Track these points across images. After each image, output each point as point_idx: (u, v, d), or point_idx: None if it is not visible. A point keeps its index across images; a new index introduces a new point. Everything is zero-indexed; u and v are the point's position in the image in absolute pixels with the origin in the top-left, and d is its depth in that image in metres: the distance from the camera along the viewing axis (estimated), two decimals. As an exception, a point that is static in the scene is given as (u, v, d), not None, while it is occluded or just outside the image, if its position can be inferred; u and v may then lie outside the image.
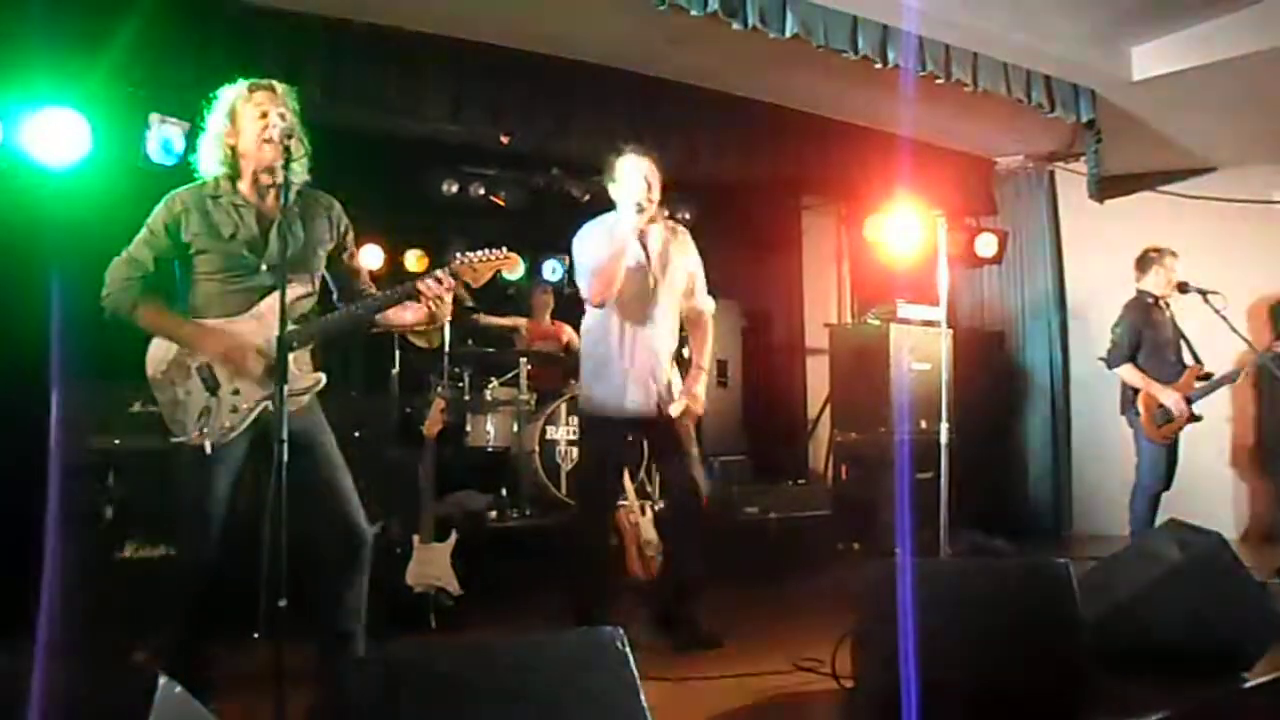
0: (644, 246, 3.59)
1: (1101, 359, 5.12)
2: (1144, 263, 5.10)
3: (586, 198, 6.38)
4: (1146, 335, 4.98)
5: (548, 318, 6.51)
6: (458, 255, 2.80)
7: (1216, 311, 4.75)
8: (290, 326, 2.50)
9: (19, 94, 3.64)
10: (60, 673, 1.62)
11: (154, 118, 3.96)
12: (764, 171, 5.71)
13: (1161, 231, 5.46)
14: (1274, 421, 6.21)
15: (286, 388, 2.38)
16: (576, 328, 5.75)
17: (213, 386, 2.64)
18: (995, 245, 6.46)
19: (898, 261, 5.93)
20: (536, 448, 5.53)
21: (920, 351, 5.74)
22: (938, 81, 4.57)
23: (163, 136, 3.97)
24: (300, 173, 2.67)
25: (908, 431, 5.43)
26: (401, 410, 5.46)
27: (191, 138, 3.08)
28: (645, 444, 3.91)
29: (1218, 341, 4.98)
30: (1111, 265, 5.65)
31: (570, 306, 5.79)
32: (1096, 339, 5.42)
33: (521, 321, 6.48)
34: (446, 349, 5.37)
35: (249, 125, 2.66)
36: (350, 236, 2.93)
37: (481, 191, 6.36)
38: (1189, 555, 3.16)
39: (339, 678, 2.12)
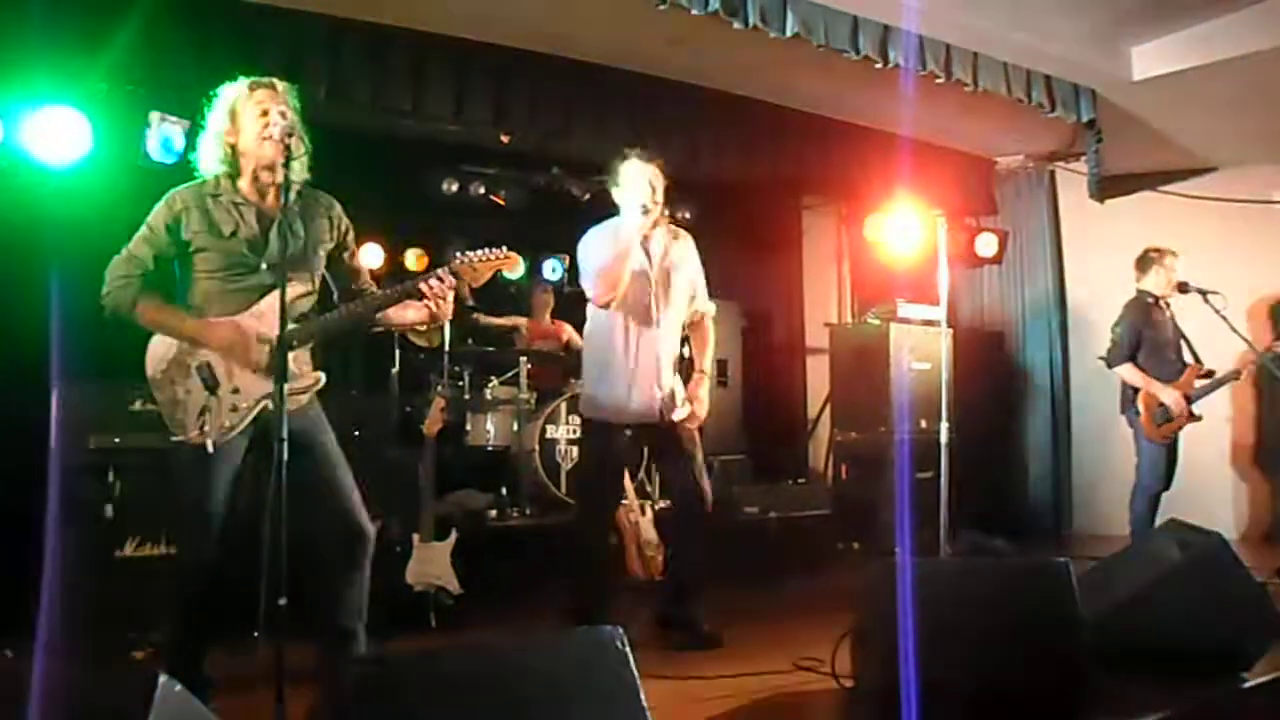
0: (648, 250, 3.60)
1: (1101, 358, 5.12)
2: (1144, 263, 5.11)
3: (587, 197, 6.38)
4: (1146, 335, 4.98)
5: (548, 317, 6.51)
6: (458, 254, 2.80)
7: (1216, 311, 4.75)
8: (290, 325, 2.50)
9: (19, 93, 3.63)
10: (60, 671, 1.62)
11: (154, 116, 3.95)
12: (764, 171, 5.70)
13: (1161, 231, 5.46)
14: (1274, 421, 6.21)
15: (286, 386, 2.38)
16: (576, 327, 5.79)
17: (212, 386, 2.63)
18: (995, 245, 6.45)
19: (898, 261, 5.93)
20: (536, 447, 5.53)
21: (920, 351, 5.74)
22: (938, 81, 4.57)
23: (163, 135, 3.96)
24: (300, 171, 2.67)
25: (908, 431, 5.43)
26: (401, 409, 5.45)
27: (192, 136, 3.08)
28: (647, 448, 3.90)
29: (1218, 341, 4.98)
30: (1111, 265, 5.65)
31: (570, 306, 5.80)
32: (1096, 339, 5.42)
33: (521, 321, 6.48)
34: (446, 348, 5.37)
35: (249, 123, 2.66)
36: (350, 236, 2.93)
37: (482, 191, 6.35)
38: (1189, 555, 3.17)
39: (339, 677, 2.12)
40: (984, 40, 4.63)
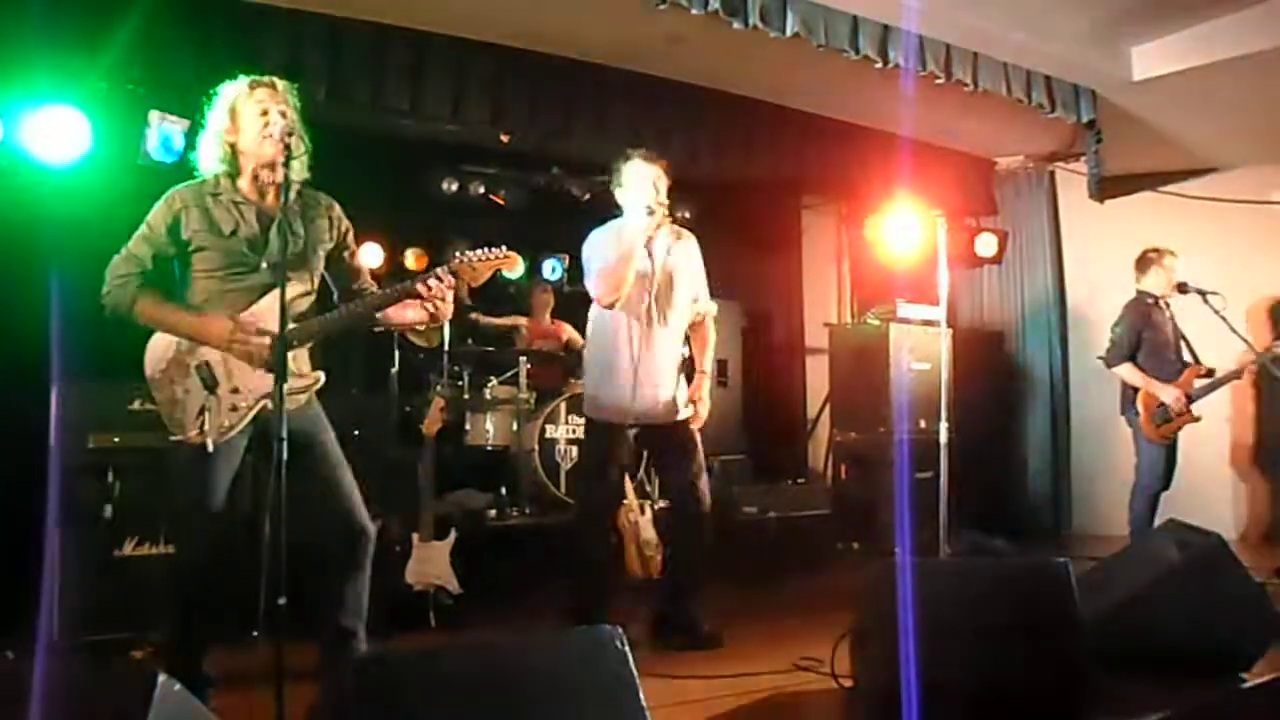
0: (651, 251, 3.60)
1: (1101, 358, 5.12)
2: (1144, 263, 5.11)
3: (587, 197, 6.38)
4: (1146, 335, 4.98)
5: (548, 317, 6.51)
6: (457, 254, 2.80)
7: (1216, 312, 4.75)
8: (290, 325, 2.50)
9: (19, 92, 3.63)
10: (60, 670, 1.62)
11: (154, 115, 3.95)
12: (764, 171, 5.70)
13: (1161, 231, 5.47)
14: (1274, 421, 6.21)
15: (286, 386, 2.38)
16: (576, 327, 5.78)
17: (211, 385, 2.63)
18: (995, 245, 6.46)
19: (898, 261, 5.92)
20: (536, 446, 5.53)
21: (920, 351, 5.74)
22: (938, 81, 4.57)
23: (163, 134, 3.96)
24: (300, 170, 2.67)
25: (907, 431, 5.43)
26: (401, 409, 5.45)
27: (191, 135, 3.09)
28: (649, 449, 3.90)
29: (1218, 341, 4.98)
30: (1111, 265, 5.65)
31: (570, 306, 5.80)
32: (1096, 339, 5.42)
33: (521, 320, 6.47)
34: (446, 348, 5.37)
35: (249, 122, 2.67)
36: (350, 236, 2.93)
37: (481, 191, 6.35)
38: (1188, 555, 3.16)
39: (339, 677, 2.12)
40: (984, 40, 4.63)
